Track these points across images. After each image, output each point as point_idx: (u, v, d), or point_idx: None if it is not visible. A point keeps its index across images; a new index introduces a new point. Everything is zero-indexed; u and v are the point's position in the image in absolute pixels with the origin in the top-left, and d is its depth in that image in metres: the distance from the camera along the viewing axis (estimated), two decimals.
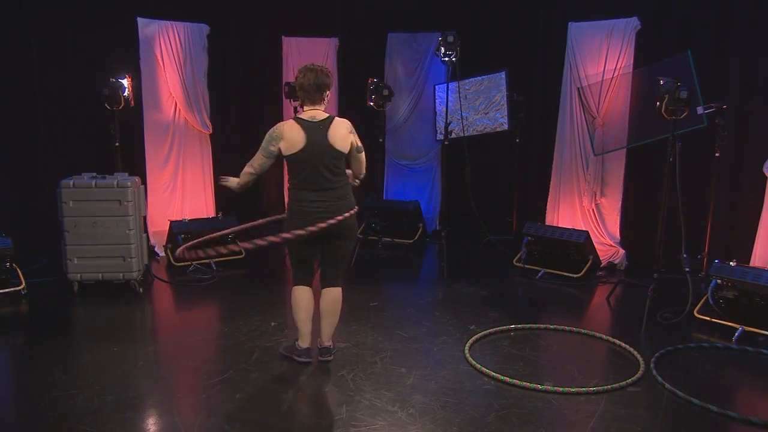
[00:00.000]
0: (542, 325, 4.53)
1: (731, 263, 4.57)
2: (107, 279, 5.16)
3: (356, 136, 3.81)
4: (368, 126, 7.15)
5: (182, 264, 5.92)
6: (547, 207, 6.60)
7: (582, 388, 3.53)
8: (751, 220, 5.10)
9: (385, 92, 6.25)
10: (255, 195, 7.94)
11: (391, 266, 6.44)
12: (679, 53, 5.26)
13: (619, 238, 6.18)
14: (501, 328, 4.48)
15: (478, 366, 3.79)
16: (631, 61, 5.83)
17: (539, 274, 5.83)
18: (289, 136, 3.58)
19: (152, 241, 6.38)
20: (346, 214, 3.62)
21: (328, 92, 3.76)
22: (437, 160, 7.45)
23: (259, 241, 3.40)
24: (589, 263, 5.72)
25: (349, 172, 3.87)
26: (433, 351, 4.12)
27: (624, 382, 3.58)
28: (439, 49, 6.11)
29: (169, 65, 6.41)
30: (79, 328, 4.71)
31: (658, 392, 3.54)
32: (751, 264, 4.85)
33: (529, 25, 7.08)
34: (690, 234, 4.84)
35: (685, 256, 4.71)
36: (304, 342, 3.84)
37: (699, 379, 3.86)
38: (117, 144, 5.68)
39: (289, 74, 7.60)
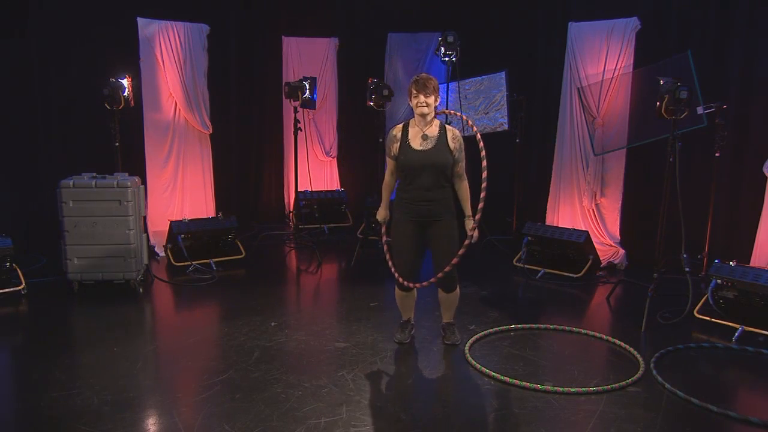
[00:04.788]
0: (542, 325, 4.53)
1: (731, 263, 4.58)
2: (107, 279, 5.16)
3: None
4: (368, 126, 7.16)
5: (182, 264, 5.93)
6: (547, 207, 6.60)
7: (582, 388, 3.53)
8: (751, 220, 5.10)
9: (385, 92, 6.25)
10: (255, 195, 7.95)
11: None
12: (679, 53, 5.27)
13: (619, 238, 6.18)
14: (501, 328, 4.47)
15: (478, 366, 3.79)
16: (631, 61, 5.83)
17: (539, 274, 5.83)
18: None
19: (152, 241, 6.37)
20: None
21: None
22: None
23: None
24: (589, 263, 5.72)
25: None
26: (433, 351, 4.12)
27: (624, 382, 3.58)
28: (439, 49, 6.12)
29: (169, 65, 6.41)
30: (79, 328, 4.71)
31: (658, 392, 3.54)
32: (751, 264, 4.86)
33: (529, 25, 7.08)
34: (690, 234, 4.84)
35: (685, 256, 4.71)
36: (405, 316, 4.25)
37: (699, 379, 3.85)
38: (117, 144, 5.68)
39: (289, 74, 7.61)
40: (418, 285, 3.92)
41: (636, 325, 4.52)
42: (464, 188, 3.96)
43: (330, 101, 7.86)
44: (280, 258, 6.71)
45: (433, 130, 3.85)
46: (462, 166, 3.92)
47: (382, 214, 4.15)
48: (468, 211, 3.95)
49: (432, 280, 3.84)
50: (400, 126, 3.92)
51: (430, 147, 3.80)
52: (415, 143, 3.82)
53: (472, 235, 3.83)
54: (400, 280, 3.93)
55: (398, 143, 3.87)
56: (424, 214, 3.86)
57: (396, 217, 3.98)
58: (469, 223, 3.91)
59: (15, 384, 3.77)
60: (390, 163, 3.98)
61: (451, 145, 3.83)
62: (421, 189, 3.82)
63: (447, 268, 3.77)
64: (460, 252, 3.77)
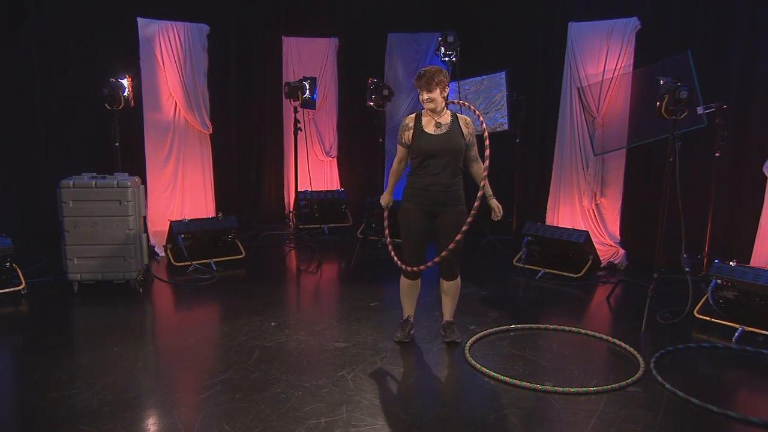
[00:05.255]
0: (542, 325, 4.53)
1: (731, 263, 4.58)
2: (107, 279, 5.16)
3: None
4: (368, 126, 7.16)
5: (182, 264, 5.93)
6: (547, 207, 6.60)
7: (582, 388, 3.53)
8: (751, 220, 5.10)
9: (385, 92, 6.25)
10: (255, 195, 7.94)
11: (391, 266, 6.37)
12: (679, 53, 5.27)
13: (619, 238, 6.18)
14: (501, 328, 4.47)
15: (478, 366, 3.79)
16: (631, 61, 5.83)
17: (539, 274, 5.83)
18: None
19: (152, 241, 6.37)
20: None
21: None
22: None
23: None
24: (589, 263, 5.72)
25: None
26: (433, 351, 4.12)
27: (624, 382, 3.58)
28: (439, 49, 6.12)
29: (169, 65, 6.41)
30: (79, 328, 4.71)
31: (658, 392, 3.54)
32: (751, 264, 4.86)
33: (529, 25, 7.08)
34: (690, 234, 4.84)
35: (685, 256, 4.71)
36: (405, 314, 4.27)
37: (699, 379, 3.85)
38: (117, 144, 5.68)
39: (289, 74, 7.61)
40: (422, 267, 3.98)
41: (636, 325, 4.52)
42: (480, 168, 4.03)
43: (330, 101, 7.86)
44: (280, 258, 6.70)
45: (446, 118, 3.94)
46: (475, 149, 4.02)
47: (385, 199, 4.26)
48: (489, 190, 4.00)
49: (436, 259, 3.91)
50: (413, 116, 3.99)
51: (444, 132, 3.89)
52: (429, 129, 3.91)
53: (499, 214, 4.00)
54: (404, 267, 3.99)
55: (411, 131, 3.94)
56: (435, 202, 3.91)
57: (405, 207, 4.02)
58: (494, 201, 3.99)
59: (15, 384, 3.77)
60: (400, 151, 4.05)
61: (464, 130, 3.93)
62: (435, 174, 3.87)
63: (451, 245, 3.81)
64: (467, 225, 3.80)
